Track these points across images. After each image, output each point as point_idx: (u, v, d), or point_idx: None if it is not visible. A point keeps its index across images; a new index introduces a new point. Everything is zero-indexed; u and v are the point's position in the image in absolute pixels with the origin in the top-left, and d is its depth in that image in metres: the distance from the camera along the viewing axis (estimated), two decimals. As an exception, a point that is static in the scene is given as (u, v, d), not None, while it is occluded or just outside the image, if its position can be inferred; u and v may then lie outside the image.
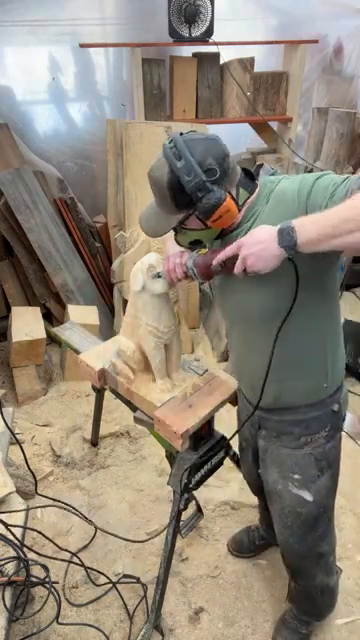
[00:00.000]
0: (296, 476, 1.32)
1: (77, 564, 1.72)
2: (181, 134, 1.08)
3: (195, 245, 1.22)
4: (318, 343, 1.20)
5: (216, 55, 3.17)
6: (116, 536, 1.87)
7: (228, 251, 1.07)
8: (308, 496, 1.33)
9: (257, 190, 1.14)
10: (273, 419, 1.33)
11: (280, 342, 1.12)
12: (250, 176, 1.17)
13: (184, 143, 1.05)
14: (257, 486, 1.59)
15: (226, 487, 2.24)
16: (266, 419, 1.35)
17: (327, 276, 1.15)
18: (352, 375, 2.91)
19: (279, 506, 1.40)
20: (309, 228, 0.92)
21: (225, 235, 1.18)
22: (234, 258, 1.05)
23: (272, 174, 1.17)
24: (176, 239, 1.24)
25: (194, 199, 1.06)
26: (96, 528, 1.96)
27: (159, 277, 1.34)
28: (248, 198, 1.14)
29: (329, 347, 1.22)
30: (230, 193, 1.10)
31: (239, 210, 1.13)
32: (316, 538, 1.41)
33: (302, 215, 0.97)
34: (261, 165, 1.19)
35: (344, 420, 1.35)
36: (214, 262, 1.12)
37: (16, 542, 1.35)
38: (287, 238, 0.94)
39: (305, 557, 1.46)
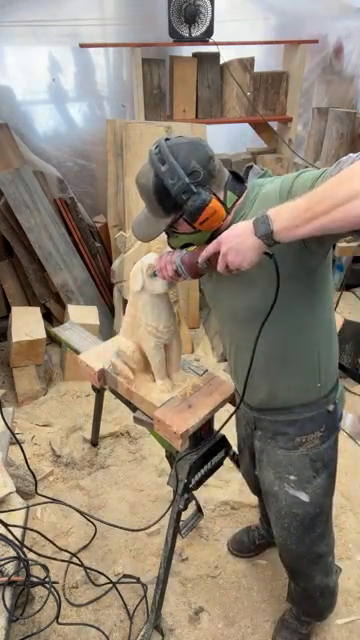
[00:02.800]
0: (292, 477, 1.32)
1: (77, 564, 1.72)
2: (166, 139, 1.09)
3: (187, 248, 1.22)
4: (308, 342, 1.20)
5: (216, 55, 3.17)
6: (115, 526, 1.87)
7: (210, 248, 1.07)
8: (304, 497, 1.33)
9: (245, 193, 1.14)
10: (267, 419, 1.33)
11: (268, 341, 1.12)
12: (238, 179, 1.16)
13: (168, 148, 1.06)
14: (256, 485, 1.59)
15: (226, 487, 2.24)
16: (261, 419, 1.36)
17: (317, 275, 1.13)
18: (350, 376, 2.86)
19: (276, 507, 1.40)
20: (284, 215, 0.92)
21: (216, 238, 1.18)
22: (218, 255, 1.05)
23: (262, 175, 1.17)
24: (169, 243, 1.24)
25: (179, 202, 1.07)
26: (94, 525, 1.96)
27: (155, 275, 1.35)
28: (237, 201, 1.14)
29: (321, 346, 1.21)
30: (217, 195, 1.09)
31: (227, 213, 1.12)
32: (314, 539, 1.41)
33: None
34: (250, 167, 1.19)
35: (340, 420, 1.35)
36: (199, 260, 1.12)
37: (16, 542, 1.35)
38: (263, 227, 0.93)
39: (303, 558, 1.46)
